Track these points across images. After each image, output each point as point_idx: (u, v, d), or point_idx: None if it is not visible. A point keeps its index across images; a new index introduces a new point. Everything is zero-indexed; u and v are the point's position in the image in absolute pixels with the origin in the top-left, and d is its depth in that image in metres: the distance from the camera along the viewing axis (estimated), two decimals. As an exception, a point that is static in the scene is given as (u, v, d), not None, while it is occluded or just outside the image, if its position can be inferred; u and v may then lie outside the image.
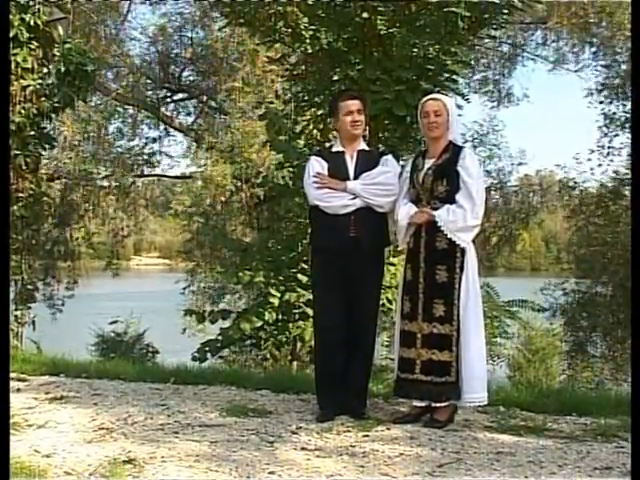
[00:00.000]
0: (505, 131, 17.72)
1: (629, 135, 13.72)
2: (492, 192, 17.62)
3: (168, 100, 17.54)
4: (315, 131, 7.83)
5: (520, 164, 18.01)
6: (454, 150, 4.35)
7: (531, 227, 19.32)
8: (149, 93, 16.82)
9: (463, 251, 4.27)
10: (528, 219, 18.33)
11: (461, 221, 4.23)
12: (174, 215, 17.43)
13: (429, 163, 4.39)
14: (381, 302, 5.76)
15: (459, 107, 7.05)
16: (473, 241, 4.37)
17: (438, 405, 4.28)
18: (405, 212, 4.37)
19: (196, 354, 7.49)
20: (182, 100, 17.66)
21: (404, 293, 4.43)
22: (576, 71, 16.81)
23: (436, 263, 4.28)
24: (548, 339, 17.00)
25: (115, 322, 15.21)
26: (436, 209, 4.28)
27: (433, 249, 4.30)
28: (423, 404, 4.34)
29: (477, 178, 4.29)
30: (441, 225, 4.24)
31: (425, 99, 4.50)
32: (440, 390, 4.24)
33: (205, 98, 16.83)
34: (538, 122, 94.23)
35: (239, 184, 13.51)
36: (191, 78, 17.15)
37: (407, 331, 4.37)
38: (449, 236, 4.24)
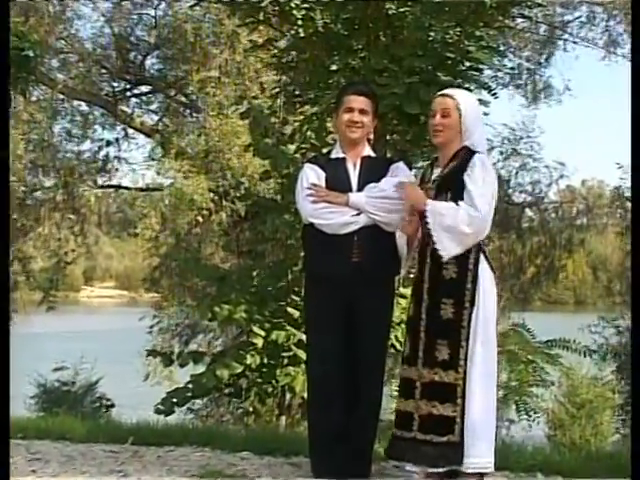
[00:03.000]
0: (543, 134, 17.62)
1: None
2: (527, 210, 17.67)
3: (127, 94, 17.57)
4: (309, 133, 7.87)
5: (562, 176, 18.02)
6: (464, 157, 4.38)
7: (575, 250, 19.34)
8: (104, 85, 16.87)
9: (475, 281, 4.27)
10: (572, 242, 18.35)
11: (452, 218, 4.23)
12: (134, 236, 17.42)
13: (436, 174, 4.47)
14: (389, 343, 5.77)
15: (485, 104, 7.09)
16: (500, 269, 4.39)
17: (461, 470, 4.24)
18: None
19: (160, 406, 7.45)
20: (145, 94, 17.70)
21: (406, 332, 4.49)
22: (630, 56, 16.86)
23: (441, 296, 4.30)
24: (597, 389, 16.96)
25: (60, 369, 15.15)
26: None
27: (439, 279, 4.32)
28: (417, 469, 4.31)
29: (484, 189, 4.29)
30: (428, 217, 4.26)
31: (437, 94, 4.56)
32: (440, 452, 4.22)
33: (173, 92, 16.89)
34: (583, 120, 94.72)
35: (215, 198, 13.54)
36: (156, 67, 17.22)
37: (405, 378, 4.41)
38: (432, 234, 4.25)
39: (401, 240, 4.47)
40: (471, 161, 4.34)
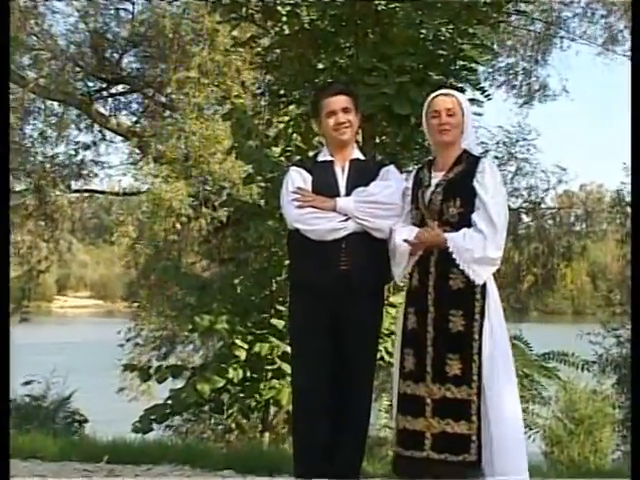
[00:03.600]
0: (540, 137, 17.68)
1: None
2: (523, 216, 17.70)
3: (104, 94, 17.56)
4: (295, 134, 7.87)
5: (560, 181, 18.06)
6: (469, 161, 4.42)
7: (573, 258, 19.39)
8: (79, 85, 16.81)
9: (484, 291, 4.29)
10: (571, 250, 18.37)
11: (479, 250, 4.26)
12: (110, 243, 17.36)
13: (437, 177, 4.45)
14: (379, 354, 5.77)
15: (479, 104, 7.12)
16: (496, 278, 4.39)
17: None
18: (406, 232, 4.39)
19: (138, 423, 7.44)
20: (121, 94, 17.67)
21: (405, 345, 4.43)
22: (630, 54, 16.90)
23: (449, 307, 4.29)
24: (596, 404, 16.96)
25: (30, 382, 15.07)
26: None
27: (445, 289, 4.31)
28: None
29: (498, 197, 4.35)
30: (453, 252, 4.26)
31: (434, 95, 4.56)
32: (456, 471, 4.20)
33: (151, 92, 16.87)
34: (581, 121, 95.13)
35: (195, 203, 13.53)
36: (133, 66, 17.20)
37: (412, 395, 4.35)
38: (462, 267, 4.26)
39: (402, 248, 4.43)
40: (479, 166, 4.37)
